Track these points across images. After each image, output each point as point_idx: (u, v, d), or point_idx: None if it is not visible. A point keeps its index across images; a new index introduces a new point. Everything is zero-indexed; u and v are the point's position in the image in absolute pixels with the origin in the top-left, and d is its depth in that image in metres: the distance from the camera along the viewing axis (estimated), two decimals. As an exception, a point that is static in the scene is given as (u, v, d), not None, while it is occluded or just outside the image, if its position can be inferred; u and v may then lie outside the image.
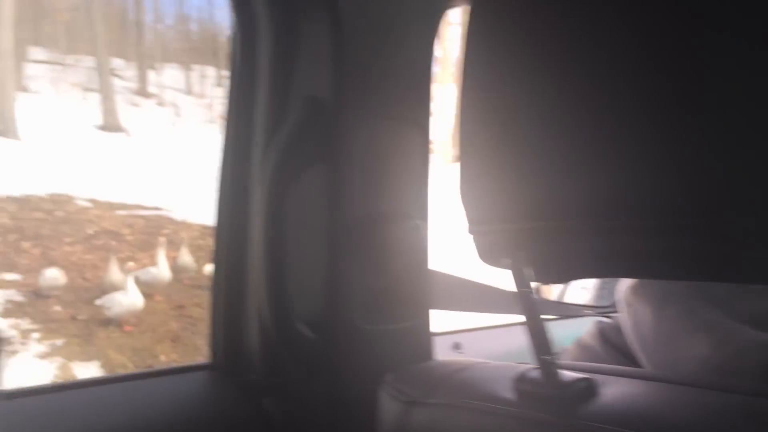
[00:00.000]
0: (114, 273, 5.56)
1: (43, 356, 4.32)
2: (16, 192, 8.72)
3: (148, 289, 6.04)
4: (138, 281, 6.01)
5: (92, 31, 16.27)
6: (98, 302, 5.20)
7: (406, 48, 0.89)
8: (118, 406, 0.87)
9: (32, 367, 4.12)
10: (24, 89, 20.83)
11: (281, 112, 0.90)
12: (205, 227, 9.18)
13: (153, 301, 5.91)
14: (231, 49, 0.98)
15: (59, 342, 4.62)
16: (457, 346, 1.43)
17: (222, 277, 0.99)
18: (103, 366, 4.50)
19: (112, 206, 9.27)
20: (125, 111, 20.60)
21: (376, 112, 0.87)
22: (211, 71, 31.42)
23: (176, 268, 6.79)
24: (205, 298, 6.34)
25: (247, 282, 0.95)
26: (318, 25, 0.86)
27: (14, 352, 4.29)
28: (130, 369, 4.59)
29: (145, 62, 25.79)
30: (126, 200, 9.66)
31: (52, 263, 6.57)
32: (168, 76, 31.19)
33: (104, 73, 15.77)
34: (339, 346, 0.86)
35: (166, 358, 4.84)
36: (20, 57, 21.75)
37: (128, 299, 5.10)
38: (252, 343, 0.95)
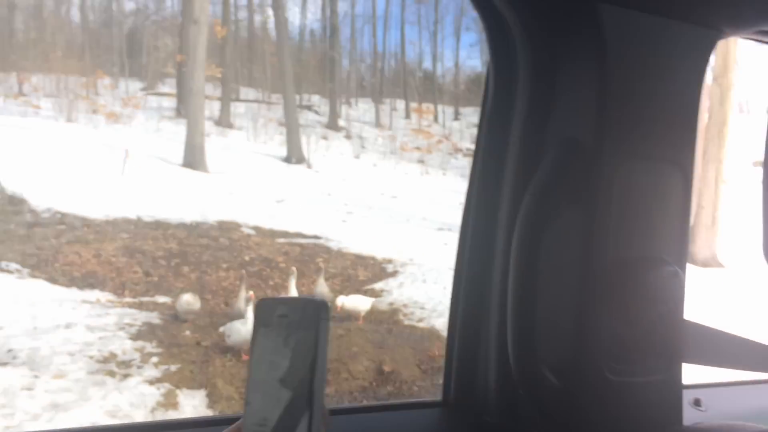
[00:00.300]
0: (241, 300, 5.63)
1: (152, 381, 4.39)
2: (189, 219, 9.37)
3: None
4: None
5: (284, 69, 17.35)
6: (221, 329, 5.26)
7: (671, 84, 0.86)
8: None
9: (136, 391, 4.18)
10: (230, 125, 22.97)
11: (536, 154, 0.89)
12: (358, 257, 9.20)
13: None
14: (486, 88, 0.99)
15: (174, 367, 4.69)
16: (697, 403, 1.31)
17: (460, 315, 1.03)
18: (208, 395, 4.47)
19: (274, 234, 9.63)
20: (313, 143, 21.85)
21: (636, 152, 0.84)
22: (400, 105, 32.50)
23: (312, 298, 6.77)
24: (346, 328, 6.32)
25: (489, 322, 0.96)
26: (580, 63, 0.85)
27: (126, 376, 4.40)
28: (235, 399, 4.53)
29: (335, 98, 27.14)
30: (288, 229, 9.99)
31: (203, 287, 6.88)
32: (360, 110, 32.81)
33: (290, 108, 16.73)
34: (583, 395, 0.83)
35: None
36: (229, 97, 24.04)
37: (247, 328, 5.09)
38: (488, 384, 0.96)
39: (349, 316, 6.38)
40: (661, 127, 0.85)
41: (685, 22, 0.85)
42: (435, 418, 1.05)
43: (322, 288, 6.60)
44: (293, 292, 6.04)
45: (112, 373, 4.43)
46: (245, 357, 5.14)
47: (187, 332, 5.58)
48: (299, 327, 0.51)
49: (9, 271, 6.55)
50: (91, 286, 6.58)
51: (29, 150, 10.98)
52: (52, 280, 6.48)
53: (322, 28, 28.92)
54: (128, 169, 10.86)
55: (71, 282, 6.59)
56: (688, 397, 1.33)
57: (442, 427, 1.03)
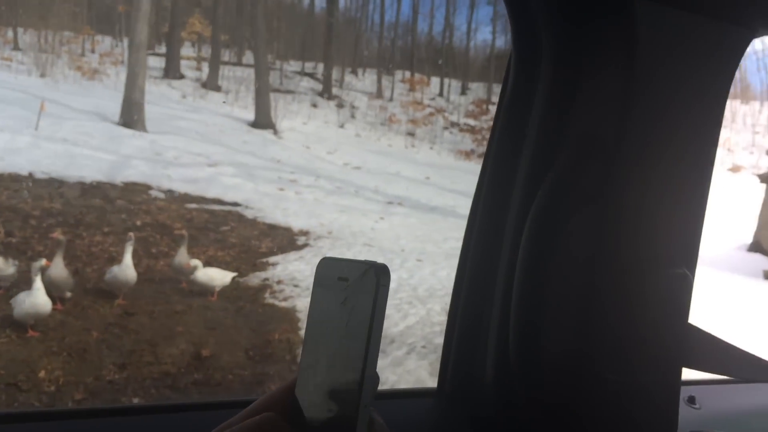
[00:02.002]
0: (56, 266, 4.94)
1: None
2: (91, 179, 8.72)
3: (106, 288, 5.40)
4: (103, 281, 5.46)
5: (257, 30, 16.54)
6: (11, 301, 4.59)
7: (699, 83, 0.84)
8: None
9: None
10: (217, 89, 22.33)
11: (553, 148, 0.88)
12: (271, 227, 8.50)
13: (99, 305, 5.21)
14: (506, 77, 0.99)
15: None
16: (691, 400, 1.27)
17: (461, 306, 1.05)
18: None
19: (186, 199, 8.95)
20: (299, 110, 21.12)
21: (656, 152, 0.82)
22: (405, 76, 31.55)
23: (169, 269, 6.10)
24: (187, 305, 5.63)
25: (490, 314, 0.97)
26: (606, 58, 0.83)
27: None
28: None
29: (330, 65, 26.32)
30: (207, 194, 9.31)
31: (68, 251, 6.20)
32: (367, 81, 31.94)
33: (261, 71, 15.96)
34: (582, 392, 0.84)
35: (45, 375, 4.05)
36: (218, 59, 23.34)
37: (31, 300, 4.42)
38: (486, 376, 0.97)
39: (203, 291, 5.68)
40: (685, 127, 0.83)
41: (720, 20, 0.82)
42: (429, 407, 1.06)
43: (181, 258, 5.89)
44: (128, 261, 5.33)
45: None
46: (30, 333, 4.48)
47: (-11, 301, 4.92)
48: (358, 290, 0.49)
49: None
50: (-71, 245, 5.96)
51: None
52: None
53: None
54: (43, 124, 10.21)
55: None
56: (682, 394, 1.28)
57: (435, 418, 1.04)
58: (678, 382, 0.90)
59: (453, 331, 1.06)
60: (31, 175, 8.34)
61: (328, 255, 5.17)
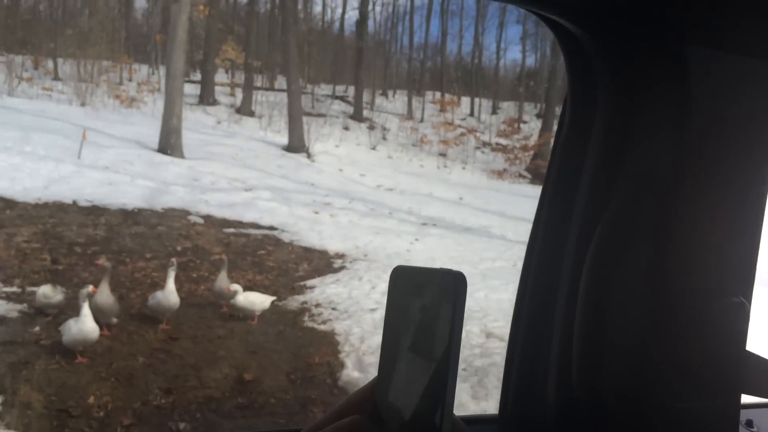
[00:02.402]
0: (102, 292, 5.06)
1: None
2: (132, 206, 8.91)
3: (150, 313, 5.50)
4: (147, 306, 5.57)
5: (289, 56, 16.81)
6: (60, 327, 4.71)
7: (754, 124, 0.86)
8: None
9: None
10: (251, 114, 22.69)
11: (610, 184, 0.90)
12: (308, 250, 8.58)
13: (144, 330, 5.31)
14: (563, 113, 1.02)
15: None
16: (749, 424, 1.28)
17: (522, 330, 1.06)
18: (2, 403, 3.92)
19: (224, 224, 9.10)
20: (335, 133, 21.32)
21: (711, 189, 0.85)
22: (435, 97, 31.69)
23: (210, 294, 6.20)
24: (229, 329, 5.71)
25: (551, 341, 0.98)
26: (661, 98, 0.86)
27: None
28: (34, 409, 3.97)
29: (361, 88, 26.58)
30: (244, 219, 9.45)
31: (112, 278, 6.35)
32: (397, 102, 32.15)
33: (294, 96, 16.19)
34: (644, 420, 0.85)
35: (94, 400, 4.15)
36: (251, 85, 23.74)
37: (78, 327, 4.53)
38: (548, 404, 0.98)
39: (244, 315, 5.76)
40: (739, 166, 0.85)
41: None
42: None
43: (222, 282, 5.98)
44: (170, 286, 5.43)
45: None
46: (79, 359, 4.59)
47: (37, 328, 5.06)
48: (436, 297, 0.51)
49: None
50: (-19, 273, 6.15)
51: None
52: (-65, 265, 6.08)
53: (360, 19, 28.21)
54: (85, 152, 10.50)
55: (-41, 268, 6.18)
56: (741, 418, 1.26)
57: None
58: (737, 408, 0.91)
59: (513, 358, 1.08)
60: (74, 203, 8.58)
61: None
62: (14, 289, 5.92)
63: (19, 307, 5.46)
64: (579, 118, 0.99)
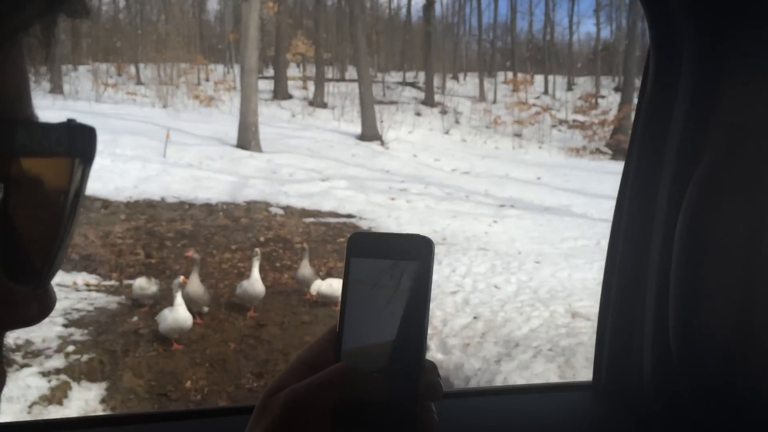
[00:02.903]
0: (193, 283, 5.28)
1: (48, 373, 4.15)
2: (216, 201, 9.23)
3: (238, 301, 5.70)
4: (235, 295, 5.77)
5: (358, 45, 16.91)
6: (156, 317, 4.95)
7: None
8: (506, 417, 0.98)
9: (21, 384, 3.95)
10: (323, 105, 23.01)
11: (700, 140, 0.87)
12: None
13: (233, 318, 5.51)
14: (646, 70, 1.00)
15: (86, 357, 4.45)
16: None
17: (613, 298, 1.04)
18: (107, 389, 4.16)
19: (303, 214, 9.28)
20: (407, 120, 21.36)
21: None
22: (507, 77, 31.17)
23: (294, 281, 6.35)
24: (314, 315, 5.85)
25: (644, 306, 0.97)
26: (752, 46, 0.83)
27: (24, 366, 4.20)
28: (137, 394, 4.20)
29: (431, 73, 26.43)
30: (322, 208, 9.61)
31: (202, 269, 6.62)
32: (469, 85, 31.83)
33: (364, 84, 16.29)
34: (750, 381, 0.82)
35: (191, 384, 4.34)
36: (322, 77, 24.05)
37: (173, 316, 4.75)
38: (644, 368, 0.97)
39: (327, 301, 5.87)
40: None
41: None
42: (587, 401, 1.06)
43: (304, 270, 6.12)
44: (255, 275, 5.61)
45: (9, 363, 4.23)
46: (175, 346, 4.81)
47: (135, 318, 5.33)
48: (405, 257, 0.51)
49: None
50: (81, 269, 6.53)
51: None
52: (41, 263, 6.48)
53: (426, 3, 28.02)
54: (169, 151, 10.93)
55: (62, 265, 6.57)
56: None
57: (595, 411, 1.04)
58: None
59: (606, 325, 1.06)
60: (163, 199, 8.96)
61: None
62: (113, 282, 6.26)
63: (117, 299, 5.78)
64: (664, 74, 0.96)
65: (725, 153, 0.83)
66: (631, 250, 1.02)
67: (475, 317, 5.51)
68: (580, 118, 23.05)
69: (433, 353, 4.99)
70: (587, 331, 5.13)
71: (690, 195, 0.85)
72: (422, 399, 0.52)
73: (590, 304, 5.71)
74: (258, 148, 12.33)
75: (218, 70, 27.59)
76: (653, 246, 0.96)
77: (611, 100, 24.94)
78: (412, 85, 30.30)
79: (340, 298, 0.54)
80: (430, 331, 5.56)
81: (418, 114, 23.49)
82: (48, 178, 0.32)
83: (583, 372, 4.59)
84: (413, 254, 0.52)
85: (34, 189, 0.31)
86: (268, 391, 0.52)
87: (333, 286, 5.88)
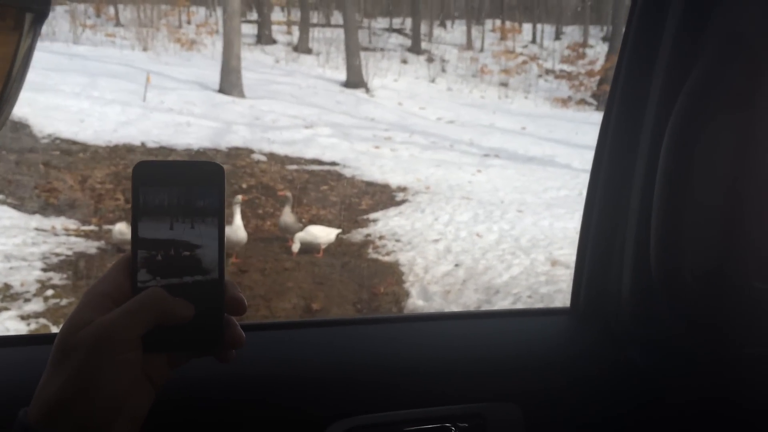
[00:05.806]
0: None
1: (27, 316, 4.14)
2: (197, 146, 9.11)
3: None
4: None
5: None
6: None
7: None
8: (486, 337, 1.01)
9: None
10: (308, 51, 22.59)
11: (693, 50, 0.84)
12: (369, 184, 8.61)
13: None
14: None
15: (65, 301, 4.43)
16: None
17: (593, 220, 1.04)
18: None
19: (286, 161, 9.20)
20: (393, 67, 21.08)
21: None
22: (495, 25, 30.69)
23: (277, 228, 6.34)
24: (296, 262, 5.85)
25: (625, 227, 0.97)
26: None
27: (2, 310, 4.18)
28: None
29: (418, 19, 25.96)
30: (305, 155, 9.53)
31: None
32: (456, 33, 31.33)
33: (350, 30, 15.97)
34: (728, 303, 0.83)
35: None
36: (307, 22, 23.54)
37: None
38: (622, 291, 0.97)
39: (308, 249, 5.87)
40: None
41: None
42: (564, 325, 1.08)
43: (287, 218, 6.09)
44: (237, 222, 5.57)
45: (-11, 305, 4.22)
46: (156, 291, 4.80)
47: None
48: (195, 183, 0.52)
49: (-19, 196, 6.56)
50: (60, 214, 6.46)
51: (43, 75, 11.02)
52: (19, 207, 6.41)
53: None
54: (149, 95, 10.71)
55: (41, 209, 6.50)
56: None
57: (570, 334, 1.06)
58: None
59: (585, 250, 1.05)
60: (143, 144, 8.82)
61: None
62: (92, 227, 6.21)
63: (96, 244, 5.73)
64: None
65: (718, 62, 0.79)
66: (615, 171, 1.00)
67: (456, 265, 5.55)
68: (567, 68, 22.88)
69: (414, 300, 5.03)
70: (566, 279, 5.18)
71: (678, 109, 0.82)
72: (227, 315, 0.55)
73: (570, 252, 5.76)
74: (241, 94, 12.12)
75: (200, 12, 26.88)
76: (637, 164, 0.94)
77: (599, 50, 24.71)
78: (399, 31, 29.72)
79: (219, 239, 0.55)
80: (411, 278, 5.60)
81: (405, 61, 23.15)
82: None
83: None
84: (203, 180, 0.53)
85: None
86: (67, 328, 0.52)
87: (313, 232, 5.88)
